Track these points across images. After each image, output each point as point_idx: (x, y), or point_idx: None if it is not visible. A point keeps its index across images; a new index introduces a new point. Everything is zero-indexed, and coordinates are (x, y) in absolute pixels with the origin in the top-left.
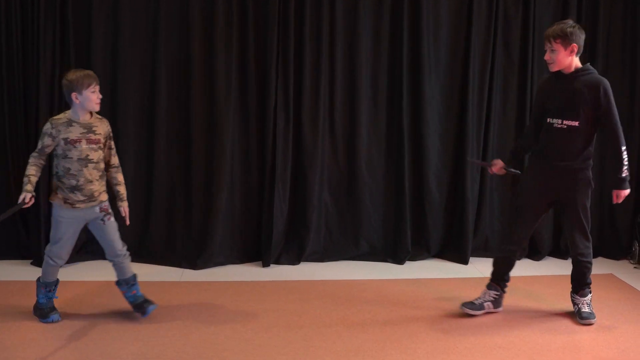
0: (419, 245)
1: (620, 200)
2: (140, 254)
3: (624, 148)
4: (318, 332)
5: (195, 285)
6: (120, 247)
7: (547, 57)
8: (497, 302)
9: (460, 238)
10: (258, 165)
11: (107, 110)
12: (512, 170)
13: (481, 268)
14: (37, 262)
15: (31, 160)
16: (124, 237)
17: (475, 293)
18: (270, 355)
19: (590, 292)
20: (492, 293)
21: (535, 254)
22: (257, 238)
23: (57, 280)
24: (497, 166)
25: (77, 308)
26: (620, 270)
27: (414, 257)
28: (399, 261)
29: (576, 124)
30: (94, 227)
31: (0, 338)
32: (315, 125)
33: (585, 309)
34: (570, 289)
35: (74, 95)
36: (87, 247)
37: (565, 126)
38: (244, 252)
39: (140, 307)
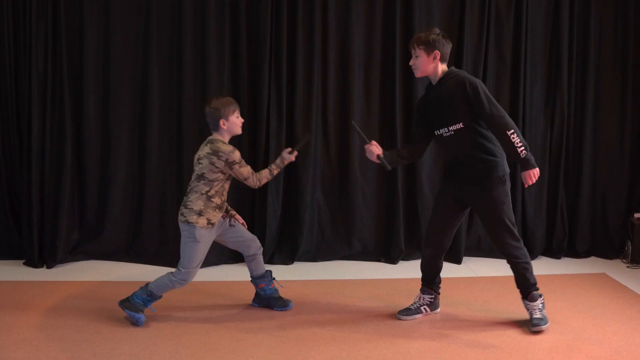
0: (412, 245)
1: (534, 181)
2: (132, 254)
3: (511, 132)
4: (311, 331)
5: (188, 285)
6: (257, 240)
7: (411, 62)
8: (433, 305)
9: (453, 238)
10: (251, 164)
11: (100, 110)
12: (385, 161)
13: (474, 267)
14: (30, 262)
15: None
16: (115, 238)
17: (468, 292)
18: (263, 355)
19: (541, 296)
20: (427, 297)
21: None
22: None
23: (161, 297)
24: (374, 147)
25: (69, 308)
26: (613, 269)
27: (407, 257)
28: (392, 261)
29: (460, 125)
30: (225, 235)
31: None
32: (308, 125)
33: (537, 315)
34: (520, 296)
35: (221, 121)
36: (80, 248)
37: (452, 132)
38: (237, 252)
39: (281, 300)
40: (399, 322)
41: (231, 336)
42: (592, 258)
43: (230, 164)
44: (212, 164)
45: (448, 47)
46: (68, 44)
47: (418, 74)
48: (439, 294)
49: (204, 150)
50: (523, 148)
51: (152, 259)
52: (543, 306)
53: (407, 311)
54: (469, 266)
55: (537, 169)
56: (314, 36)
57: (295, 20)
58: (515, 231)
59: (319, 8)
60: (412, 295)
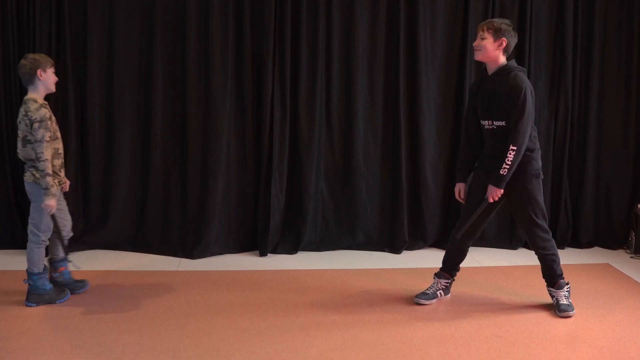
0: (415, 235)
1: (495, 199)
2: (136, 244)
3: (514, 148)
4: (315, 321)
5: (192, 274)
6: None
7: (475, 43)
8: (447, 290)
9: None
10: (255, 155)
11: (103, 101)
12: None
13: (477, 257)
14: None
15: (47, 155)
16: (119, 228)
17: (472, 282)
18: (266, 344)
19: (567, 283)
20: (443, 282)
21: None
22: (254, 228)
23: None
24: (459, 188)
25: (73, 297)
26: (617, 259)
27: (411, 247)
28: (396, 251)
29: (503, 123)
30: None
31: None
32: (311, 116)
33: (563, 301)
34: (546, 284)
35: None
36: (84, 238)
37: (495, 127)
38: (241, 242)
39: (79, 282)
40: (403, 312)
41: (235, 326)
42: (596, 248)
43: (32, 121)
44: (27, 125)
45: (514, 41)
46: (72, 35)
47: (479, 56)
48: (454, 280)
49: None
50: (507, 168)
51: (157, 249)
52: (569, 294)
53: (425, 295)
54: (473, 256)
55: (502, 191)
56: (318, 28)
57: (299, 12)
58: (545, 224)
59: (323, 0)
60: (416, 284)
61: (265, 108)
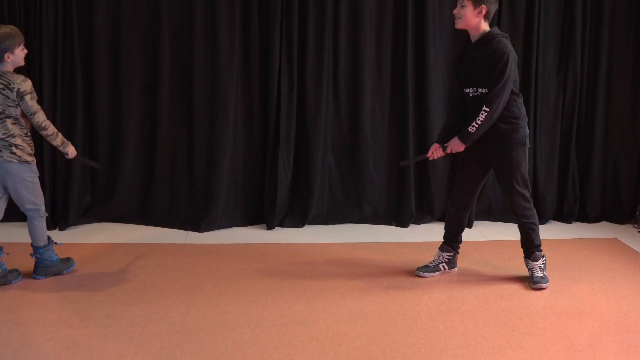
0: (423, 209)
1: (450, 151)
2: (144, 217)
3: (486, 109)
4: (322, 294)
5: (200, 247)
6: None
7: (455, 11)
8: (451, 263)
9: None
10: (262, 129)
11: (110, 73)
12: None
13: (485, 231)
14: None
15: (46, 120)
16: (126, 200)
17: (478, 256)
18: (273, 317)
19: (543, 256)
20: (445, 255)
21: (538, 218)
22: (261, 201)
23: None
24: (434, 148)
25: (81, 270)
26: (624, 234)
27: (418, 221)
28: (403, 224)
29: (486, 90)
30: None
31: (5, 299)
32: (319, 89)
33: (538, 273)
34: (523, 255)
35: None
36: (92, 210)
37: (479, 94)
38: (248, 215)
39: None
40: (409, 286)
41: (242, 299)
42: (603, 223)
43: (21, 94)
44: (8, 98)
45: (494, 7)
46: (78, 5)
47: (460, 24)
48: (457, 252)
49: None
50: (476, 127)
51: (164, 222)
52: (545, 267)
53: (426, 268)
54: (480, 230)
55: (463, 147)
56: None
57: None
58: (528, 193)
59: None
60: (423, 258)
61: (272, 81)
